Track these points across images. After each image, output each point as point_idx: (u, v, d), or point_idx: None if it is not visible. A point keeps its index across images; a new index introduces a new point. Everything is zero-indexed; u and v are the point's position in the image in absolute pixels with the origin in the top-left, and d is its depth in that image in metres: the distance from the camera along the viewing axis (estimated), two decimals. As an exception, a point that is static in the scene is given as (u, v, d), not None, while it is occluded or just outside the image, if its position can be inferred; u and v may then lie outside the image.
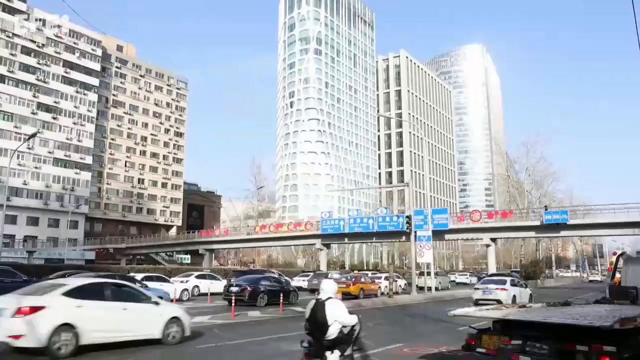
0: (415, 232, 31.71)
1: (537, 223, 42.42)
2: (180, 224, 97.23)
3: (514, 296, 23.07)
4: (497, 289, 23.65)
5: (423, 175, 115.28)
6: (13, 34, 72.74)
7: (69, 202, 76.24)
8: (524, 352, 6.35)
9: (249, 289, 21.61)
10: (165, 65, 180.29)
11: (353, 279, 29.07)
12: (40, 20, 76.55)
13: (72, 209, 72.35)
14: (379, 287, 30.56)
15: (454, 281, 55.11)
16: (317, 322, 6.42)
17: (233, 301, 17.64)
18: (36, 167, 73.98)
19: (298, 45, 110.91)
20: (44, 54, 76.21)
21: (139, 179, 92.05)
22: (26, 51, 74.30)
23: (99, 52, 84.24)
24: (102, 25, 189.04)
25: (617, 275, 11.58)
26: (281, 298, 19.57)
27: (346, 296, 26.10)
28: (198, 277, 29.32)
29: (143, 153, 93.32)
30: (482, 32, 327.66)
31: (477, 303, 21.26)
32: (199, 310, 19.74)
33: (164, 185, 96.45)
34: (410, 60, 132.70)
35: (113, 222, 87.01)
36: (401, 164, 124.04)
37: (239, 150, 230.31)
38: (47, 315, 8.95)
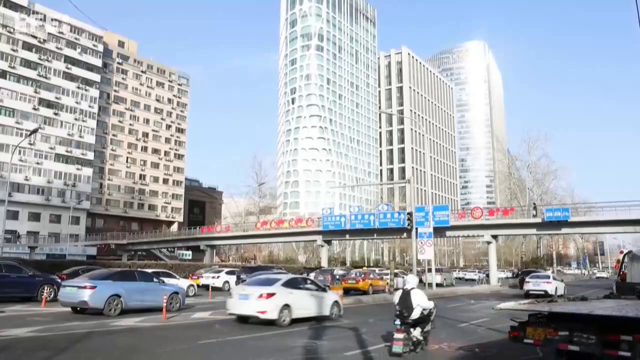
0: (417, 228, 31.77)
1: (538, 220, 42.39)
2: (181, 220, 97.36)
3: (556, 288, 29.12)
4: (544, 282, 30.33)
5: (424, 172, 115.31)
6: (14, 29, 72.69)
7: (71, 197, 76.36)
8: (571, 343, 6.80)
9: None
10: (167, 61, 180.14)
11: (362, 276, 29.90)
12: (41, 15, 76.66)
13: (73, 204, 72.46)
14: (387, 282, 31.10)
15: (462, 278, 55.23)
16: (405, 306, 9.22)
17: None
18: (38, 163, 74.05)
19: (299, 41, 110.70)
20: (46, 50, 76.19)
21: (140, 175, 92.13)
22: (27, 47, 74.25)
23: (100, 48, 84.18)
24: (104, 21, 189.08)
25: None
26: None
27: (355, 292, 27.32)
28: (228, 273, 32.36)
29: (144, 149, 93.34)
30: (484, 29, 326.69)
31: (527, 294, 27.99)
32: (202, 306, 19.82)
33: (165, 181, 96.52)
34: (412, 57, 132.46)
35: (114, 218, 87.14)
36: (402, 160, 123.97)
37: (240, 147, 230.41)
38: (277, 299, 13.77)
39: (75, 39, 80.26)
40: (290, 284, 14.89)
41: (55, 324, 13.05)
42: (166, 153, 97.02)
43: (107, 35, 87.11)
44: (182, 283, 24.37)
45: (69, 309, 16.22)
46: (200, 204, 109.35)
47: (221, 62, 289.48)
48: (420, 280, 29.46)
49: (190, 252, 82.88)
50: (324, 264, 53.16)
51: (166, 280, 23.10)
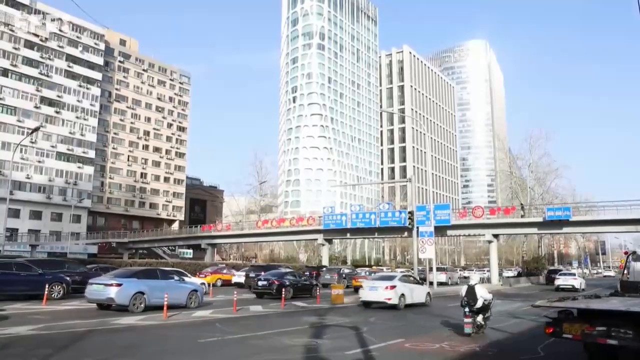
0: (418, 227, 31.81)
1: (540, 219, 42.34)
2: (182, 218, 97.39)
3: (580, 283, 37.51)
4: (571, 278, 38.73)
5: (425, 170, 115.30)
6: (16, 27, 72.72)
7: (72, 196, 76.43)
8: (610, 337, 7.27)
9: (276, 282, 23.36)
10: (168, 60, 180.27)
11: (371, 275, 30.75)
12: (43, 14, 76.68)
13: (74, 203, 72.54)
14: None
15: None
16: (471, 297, 12.22)
17: (253, 294, 21.38)
18: (39, 161, 74.11)
19: (301, 40, 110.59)
20: (47, 48, 76.19)
21: (141, 174, 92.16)
22: (29, 45, 74.27)
23: (101, 46, 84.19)
24: (105, 19, 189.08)
25: None
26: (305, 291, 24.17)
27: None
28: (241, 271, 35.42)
29: (146, 147, 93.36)
30: (485, 28, 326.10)
31: (558, 288, 35.87)
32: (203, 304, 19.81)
33: (166, 179, 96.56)
34: (414, 56, 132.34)
35: (116, 216, 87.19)
36: (404, 159, 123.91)
37: (241, 146, 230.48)
38: (397, 290, 19.53)
39: (77, 37, 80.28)
40: (403, 280, 21.06)
41: (55, 322, 13.07)
42: (167, 151, 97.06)
43: (108, 34, 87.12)
44: (195, 281, 24.76)
45: (70, 307, 16.33)
46: (201, 203, 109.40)
47: (222, 60, 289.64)
48: (424, 279, 30.62)
49: (191, 251, 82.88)
50: (325, 262, 53.12)
51: (190, 279, 24.42)
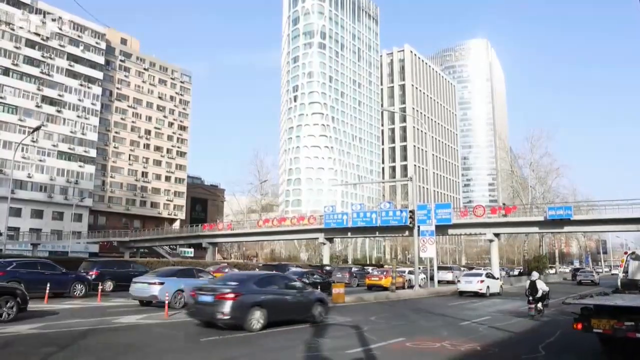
0: (419, 226, 31.75)
1: (541, 218, 42.31)
2: (183, 217, 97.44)
3: (598, 278, 47.15)
4: (590, 275, 49.84)
5: (426, 169, 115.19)
6: (18, 27, 72.74)
7: (73, 195, 76.50)
8: (638, 331, 8.07)
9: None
10: (169, 59, 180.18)
11: (385, 273, 32.72)
12: (44, 13, 76.70)
13: (76, 202, 72.58)
14: (404, 279, 33.63)
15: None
16: (533, 289, 16.53)
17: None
18: (40, 160, 74.18)
19: (302, 39, 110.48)
20: (48, 47, 76.22)
21: (142, 173, 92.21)
22: (30, 44, 74.30)
23: (103, 45, 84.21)
24: (106, 18, 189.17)
25: None
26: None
27: (377, 288, 30.40)
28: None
29: (147, 146, 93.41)
30: (486, 27, 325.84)
31: (580, 282, 46.35)
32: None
33: (167, 178, 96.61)
34: (415, 55, 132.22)
35: (117, 215, 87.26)
36: (405, 158, 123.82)
37: (242, 144, 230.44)
38: (485, 283, 27.37)
39: (78, 36, 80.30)
40: (487, 276, 28.77)
41: (56, 320, 13.09)
42: (168, 150, 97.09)
43: (109, 33, 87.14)
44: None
45: (69, 306, 16.41)
46: (203, 202, 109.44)
47: (223, 59, 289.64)
48: (432, 278, 32.82)
49: (192, 250, 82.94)
50: (326, 261, 53.17)
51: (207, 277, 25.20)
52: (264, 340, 11.02)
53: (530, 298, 16.67)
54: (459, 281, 29.40)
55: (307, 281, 23.84)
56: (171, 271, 19.03)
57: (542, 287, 16.62)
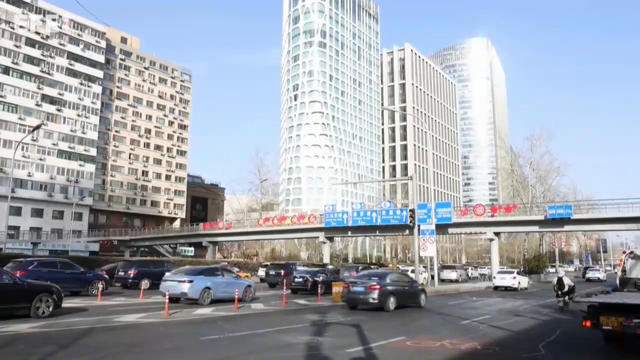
0: (419, 225, 31.78)
1: (541, 217, 42.29)
2: (183, 216, 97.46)
3: (605, 275, 52.31)
4: (597, 272, 54.33)
5: (427, 168, 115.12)
6: (18, 25, 72.69)
7: (73, 194, 76.49)
8: None
9: (310, 280, 25.35)
10: (169, 57, 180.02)
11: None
12: (44, 12, 76.66)
13: (76, 200, 72.58)
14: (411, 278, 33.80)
15: (484, 274, 55.10)
16: (560, 285, 19.82)
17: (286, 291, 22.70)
18: (40, 159, 74.18)
19: (302, 38, 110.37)
20: (48, 46, 76.19)
21: (142, 171, 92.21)
22: (30, 43, 74.27)
23: (103, 44, 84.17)
24: (107, 17, 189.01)
25: None
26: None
27: None
28: (264, 267, 38.50)
29: (147, 145, 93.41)
30: (487, 26, 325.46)
31: (588, 279, 48.84)
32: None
33: (167, 177, 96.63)
34: (415, 54, 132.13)
35: (117, 214, 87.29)
36: (405, 157, 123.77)
37: (242, 143, 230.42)
38: (517, 279, 33.37)
39: (78, 35, 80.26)
40: (519, 273, 34.97)
41: (57, 319, 13.10)
42: (169, 149, 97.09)
43: (109, 32, 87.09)
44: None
45: (70, 304, 16.35)
46: (203, 201, 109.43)
47: (223, 58, 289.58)
48: (433, 277, 33.67)
49: (192, 249, 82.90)
50: (326, 260, 53.15)
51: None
52: (262, 338, 11.02)
53: (559, 292, 19.72)
54: (494, 277, 35.51)
55: (320, 279, 25.15)
56: (198, 270, 20.05)
57: (567, 282, 19.86)
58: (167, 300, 15.09)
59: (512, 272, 35.14)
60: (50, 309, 13.66)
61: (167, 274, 19.81)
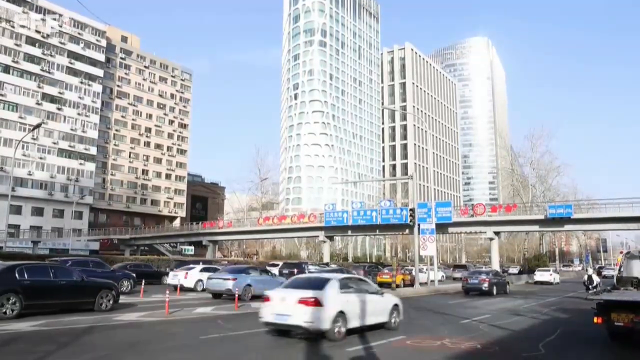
0: (419, 225, 31.76)
1: (541, 217, 42.30)
2: (184, 215, 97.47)
3: (616, 273, 50.55)
4: (611, 271, 47.34)
5: (427, 168, 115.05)
6: (18, 24, 72.65)
7: (74, 192, 76.48)
8: None
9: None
10: (170, 56, 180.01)
11: (395, 271, 33.37)
12: (44, 10, 76.64)
13: (76, 199, 72.58)
14: (412, 277, 34.24)
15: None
16: (590, 281, 27.36)
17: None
18: (41, 158, 74.18)
19: (302, 37, 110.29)
20: (49, 45, 76.16)
21: (143, 170, 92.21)
22: (31, 42, 74.23)
23: (103, 43, 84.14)
24: (107, 16, 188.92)
25: None
26: None
27: (388, 285, 30.13)
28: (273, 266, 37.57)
29: (147, 144, 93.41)
30: (487, 25, 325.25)
31: (604, 277, 44.36)
32: (203, 301, 19.87)
33: (167, 176, 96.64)
34: (415, 53, 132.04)
35: (117, 212, 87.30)
36: (405, 156, 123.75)
37: (242, 142, 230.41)
38: (552, 275, 43.56)
39: (79, 34, 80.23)
40: (555, 271, 45.64)
41: (57, 318, 13.10)
42: (169, 148, 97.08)
43: (110, 31, 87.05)
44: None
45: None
46: (203, 200, 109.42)
47: (224, 57, 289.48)
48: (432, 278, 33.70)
49: (192, 248, 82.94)
50: (326, 259, 53.18)
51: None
52: (262, 337, 11.02)
53: (590, 287, 24.72)
54: (535, 274, 43.42)
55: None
56: (240, 268, 21.93)
57: (596, 279, 26.19)
58: (167, 300, 15.10)
59: (549, 270, 44.36)
60: (111, 303, 15.17)
61: (209, 274, 22.01)
